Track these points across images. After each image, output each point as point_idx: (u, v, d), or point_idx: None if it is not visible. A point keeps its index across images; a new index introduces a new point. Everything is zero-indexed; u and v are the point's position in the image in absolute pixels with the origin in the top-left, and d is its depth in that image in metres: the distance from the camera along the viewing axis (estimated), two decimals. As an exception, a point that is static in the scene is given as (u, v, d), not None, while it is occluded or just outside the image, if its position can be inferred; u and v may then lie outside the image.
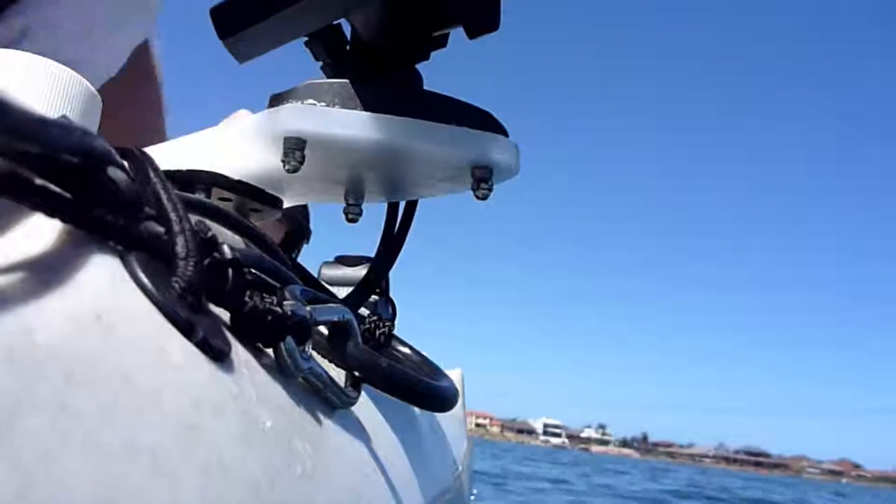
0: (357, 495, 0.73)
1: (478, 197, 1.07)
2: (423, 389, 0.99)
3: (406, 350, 1.08)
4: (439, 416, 2.01)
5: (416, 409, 1.51)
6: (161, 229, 0.56)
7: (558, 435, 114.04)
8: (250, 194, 1.04)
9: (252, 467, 0.51)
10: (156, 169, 0.58)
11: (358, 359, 0.85)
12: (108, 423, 0.33)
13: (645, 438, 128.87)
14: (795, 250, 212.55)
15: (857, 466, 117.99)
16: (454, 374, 3.70)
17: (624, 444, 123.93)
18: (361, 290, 1.18)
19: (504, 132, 1.04)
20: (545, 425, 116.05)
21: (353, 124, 0.99)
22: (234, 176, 1.04)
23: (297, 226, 1.59)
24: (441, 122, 1.03)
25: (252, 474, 0.51)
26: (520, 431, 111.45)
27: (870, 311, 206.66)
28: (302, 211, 1.47)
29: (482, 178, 1.04)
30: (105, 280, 0.44)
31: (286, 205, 1.18)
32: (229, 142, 1.04)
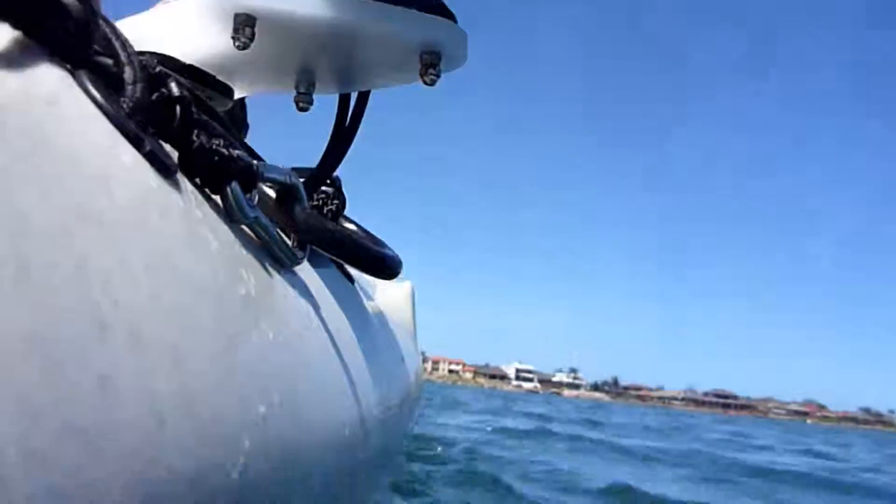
0: (293, 350, 0.79)
1: (426, 83, 1.12)
2: (368, 253, 1.06)
3: (353, 227, 1.14)
4: (392, 325, 2.08)
5: (369, 306, 1.58)
6: (110, 60, 0.61)
7: (530, 380, 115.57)
8: (200, 79, 1.08)
9: (200, 272, 0.57)
10: (104, 16, 0.63)
11: (305, 221, 0.92)
12: (50, 199, 0.38)
13: (616, 382, 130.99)
14: (767, 191, 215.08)
15: (822, 407, 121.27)
16: (404, 286, 3.77)
17: (595, 387, 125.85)
18: (313, 180, 1.23)
19: (453, 18, 1.09)
20: (517, 370, 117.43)
21: (303, 1, 1.03)
22: (185, 61, 1.07)
23: (235, 118, 1.61)
24: (391, 3, 1.07)
25: (200, 280, 0.57)
26: (492, 377, 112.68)
27: (838, 256, 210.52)
28: (239, 102, 1.49)
29: (430, 64, 1.09)
30: (55, 83, 0.49)
31: (237, 95, 1.22)
32: (177, 22, 1.07)
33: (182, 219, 0.57)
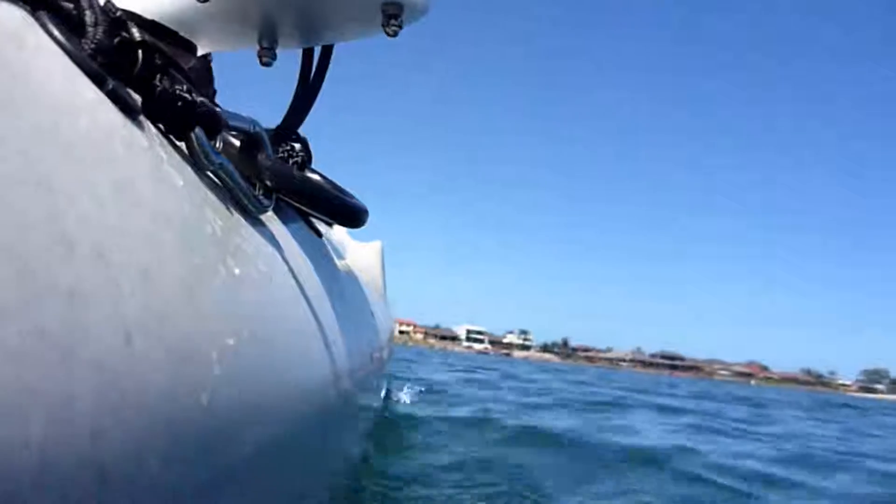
0: (261, 290, 0.81)
1: (388, 34, 1.13)
2: (334, 201, 1.08)
3: (318, 178, 1.16)
4: (362, 282, 2.10)
5: (337, 262, 1.60)
6: (70, 4, 0.62)
7: (481, 341, 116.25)
8: (162, 35, 1.08)
9: (166, 206, 0.59)
10: None
11: (269, 168, 0.93)
12: (14, 123, 0.40)
13: (565, 343, 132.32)
14: (710, 153, 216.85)
15: (764, 368, 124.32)
16: (374, 245, 3.80)
17: (545, 349, 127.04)
18: (278, 133, 1.24)
19: None
20: (468, 331, 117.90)
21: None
22: (147, 16, 1.07)
23: (200, 77, 1.60)
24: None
25: (166, 212, 0.58)
26: (443, 338, 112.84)
27: (780, 220, 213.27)
28: (204, 63, 1.49)
29: (393, 15, 1.10)
30: (15, 21, 0.50)
31: (200, 51, 1.22)
32: (138, -24, 1.06)
33: (147, 156, 0.58)
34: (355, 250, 3.15)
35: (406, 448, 3.05)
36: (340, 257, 1.92)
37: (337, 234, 2.61)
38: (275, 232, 0.98)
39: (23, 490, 0.32)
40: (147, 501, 0.44)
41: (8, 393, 0.32)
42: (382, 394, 3.24)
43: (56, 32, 0.54)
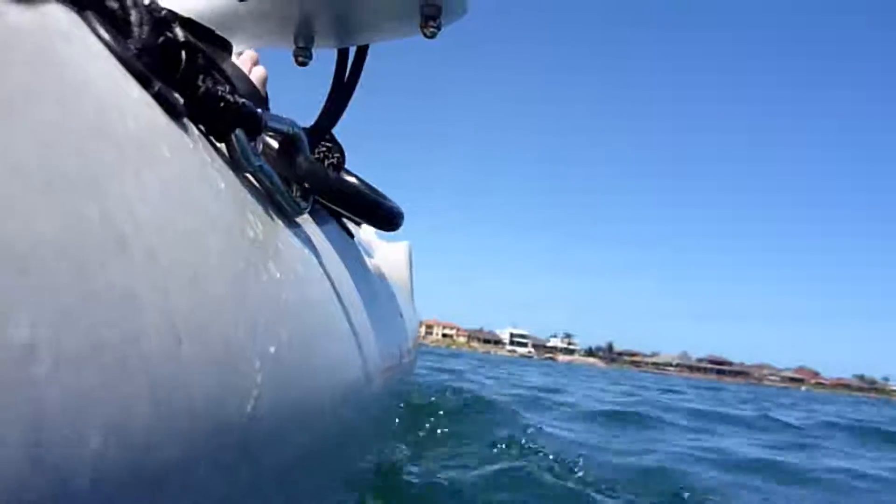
0: (301, 293, 0.81)
1: (426, 35, 1.13)
2: (371, 204, 1.08)
3: (354, 180, 1.15)
4: (391, 282, 2.09)
5: (368, 262, 1.60)
6: (116, 4, 0.61)
7: (525, 344, 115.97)
8: (199, 34, 1.08)
9: (211, 208, 0.58)
10: None
11: (307, 170, 0.93)
12: (68, 118, 0.39)
13: (610, 348, 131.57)
14: (769, 159, 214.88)
15: (816, 374, 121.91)
16: (401, 247, 3.78)
17: (590, 353, 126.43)
18: (312, 134, 1.24)
19: None
20: (511, 335, 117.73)
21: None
22: (183, 14, 1.07)
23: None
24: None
25: (211, 214, 0.58)
26: (486, 341, 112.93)
27: (830, 218, 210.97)
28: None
29: (431, 16, 1.09)
30: (64, 21, 0.50)
31: (236, 49, 1.22)
32: (174, -25, 1.06)
33: (193, 157, 0.58)
34: (383, 251, 3.15)
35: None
36: (371, 258, 1.92)
37: (365, 233, 2.61)
38: (311, 234, 0.98)
39: (81, 495, 0.32)
40: None
41: (69, 396, 0.32)
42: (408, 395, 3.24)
43: (103, 32, 0.54)
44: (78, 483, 0.32)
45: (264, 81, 1.33)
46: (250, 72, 1.15)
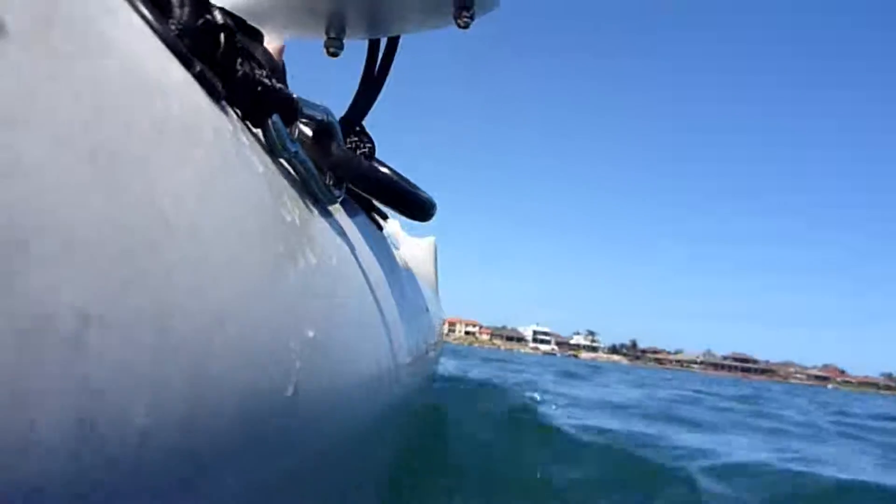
0: (335, 280, 0.80)
1: (459, 26, 1.11)
2: (405, 193, 1.07)
3: (386, 170, 1.14)
4: (417, 276, 2.09)
5: (397, 255, 1.59)
6: (155, -14, 0.61)
7: (548, 342, 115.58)
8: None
9: (250, 193, 0.58)
10: None
11: (341, 158, 0.92)
12: (114, 99, 0.39)
13: (634, 345, 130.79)
14: (793, 159, 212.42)
15: (842, 372, 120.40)
16: (427, 242, 3.77)
17: (613, 350, 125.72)
18: (343, 126, 1.24)
19: None
20: (534, 332, 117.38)
21: (334, -60, 1.01)
22: (216, 2, 1.07)
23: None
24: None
25: (251, 199, 0.57)
26: (509, 339, 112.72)
27: (857, 219, 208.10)
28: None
29: (464, 6, 1.08)
30: (107, 0, 0.50)
31: (266, 40, 1.21)
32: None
33: (232, 140, 0.58)
34: (409, 245, 3.14)
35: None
36: (398, 252, 1.91)
37: (391, 228, 2.61)
38: (342, 223, 0.97)
39: (128, 471, 0.32)
40: (238, 490, 0.43)
41: (115, 374, 0.31)
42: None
43: (146, 11, 0.54)
44: (125, 459, 0.32)
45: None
46: None
